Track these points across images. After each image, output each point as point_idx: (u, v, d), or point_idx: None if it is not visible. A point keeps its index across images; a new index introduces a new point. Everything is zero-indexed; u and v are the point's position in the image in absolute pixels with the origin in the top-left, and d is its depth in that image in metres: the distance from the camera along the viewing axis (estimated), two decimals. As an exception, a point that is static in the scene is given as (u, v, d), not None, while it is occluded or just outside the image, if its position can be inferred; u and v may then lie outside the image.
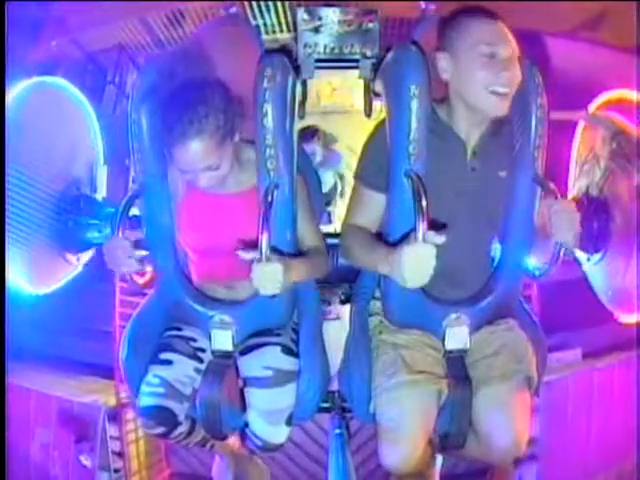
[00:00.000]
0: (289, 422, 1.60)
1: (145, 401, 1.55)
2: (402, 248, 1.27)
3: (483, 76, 1.39)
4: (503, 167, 1.53)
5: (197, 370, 1.61)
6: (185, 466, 2.86)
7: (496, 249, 1.63)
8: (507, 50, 1.40)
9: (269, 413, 1.57)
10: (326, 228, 1.95)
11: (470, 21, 1.42)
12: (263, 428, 1.59)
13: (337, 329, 1.78)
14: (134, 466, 2.68)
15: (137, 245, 1.49)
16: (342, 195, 3.03)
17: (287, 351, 1.62)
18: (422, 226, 1.26)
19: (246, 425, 1.61)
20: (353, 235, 1.55)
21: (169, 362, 1.59)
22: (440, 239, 1.25)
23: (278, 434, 1.60)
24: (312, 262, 1.58)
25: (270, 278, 1.37)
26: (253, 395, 1.58)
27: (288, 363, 1.61)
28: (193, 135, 1.40)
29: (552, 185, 1.51)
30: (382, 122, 1.53)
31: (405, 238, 1.32)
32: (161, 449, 2.88)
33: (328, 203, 2.88)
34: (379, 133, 1.53)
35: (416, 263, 1.26)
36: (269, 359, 1.59)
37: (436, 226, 1.30)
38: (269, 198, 1.40)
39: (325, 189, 2.82)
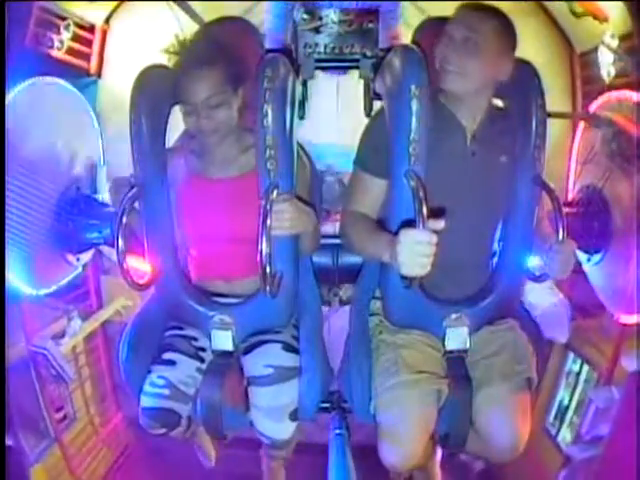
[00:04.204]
0: (293, 417, 1.60)
1: (149, 402, 1.56)
2: (401, 233, 1.25)
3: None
4: (503, 152, 1.53)
5: (199, 370, 1.61)
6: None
7: (497, 247, 1.63)
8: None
9: (271, 410, 1.58)
10: (325, 228, 1.95)
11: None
12: (267, 425, 1.59)
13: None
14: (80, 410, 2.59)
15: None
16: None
17: (288, 348, 1.63)
18: (422, 220, 1.24)
19: (251, 424, 1.61)
20: (354, 222, 1.56)
21: (172, 362, 1.60)
22: (440, 224, 1.23)
23: (283, 430, 1.61)
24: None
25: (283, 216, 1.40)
26: (255, 394, 1.59)
27: (289, 360, 1.61)
28: (203, 65, 1.48)
29: (552, 186, 1.51)
30: (382, 109, 1.53)
31: (405, 226, 1.31)
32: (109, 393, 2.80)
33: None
34: (379, 119, 1.53)
35: (414, 249, 1.23)
36: (270, 357, 1.60)
37: (436, 213, 1.28)
38: (269, 199, 1.40)
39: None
